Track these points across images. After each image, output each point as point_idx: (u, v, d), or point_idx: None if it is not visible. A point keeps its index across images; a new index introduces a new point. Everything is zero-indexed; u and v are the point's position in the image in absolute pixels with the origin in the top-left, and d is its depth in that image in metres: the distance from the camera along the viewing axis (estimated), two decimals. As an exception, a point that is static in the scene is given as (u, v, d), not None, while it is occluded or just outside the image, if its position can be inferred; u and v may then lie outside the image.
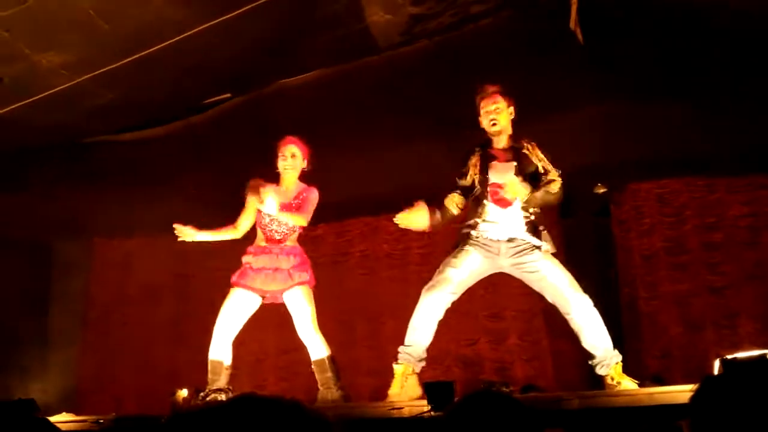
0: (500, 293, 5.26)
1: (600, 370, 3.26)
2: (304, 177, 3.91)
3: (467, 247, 3.39)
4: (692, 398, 1.29)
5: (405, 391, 3.28)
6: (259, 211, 3.80)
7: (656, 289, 5.17)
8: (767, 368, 2.44)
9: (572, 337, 5.04)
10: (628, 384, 3.20)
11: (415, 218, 3.41)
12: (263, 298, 3.80)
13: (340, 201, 5.69)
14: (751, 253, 5.10)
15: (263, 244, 3.81)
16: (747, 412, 1.21)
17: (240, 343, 3.77)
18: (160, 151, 5.78)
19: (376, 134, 5.29)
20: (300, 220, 3.77)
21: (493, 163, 3.43)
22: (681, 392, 2.60)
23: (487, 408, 1.51)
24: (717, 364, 2.66)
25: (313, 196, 3.83)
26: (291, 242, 3.83)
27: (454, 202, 3.47)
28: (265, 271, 3.74)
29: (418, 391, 3.26)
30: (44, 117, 5.34)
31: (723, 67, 4.77)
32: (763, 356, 2.54)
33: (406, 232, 5.86)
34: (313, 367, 3.71)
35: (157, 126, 6.07)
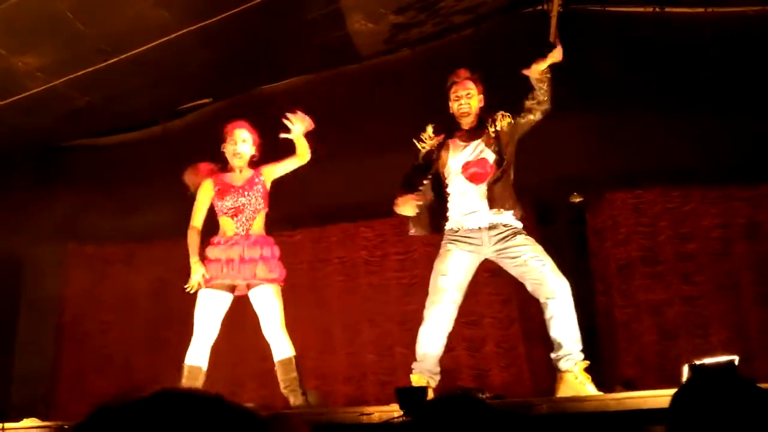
0: (477, 300, 5.28)
1: (564, 364, 3.12)
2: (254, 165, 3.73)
3: (449, 246, 3.33)
4: (672, 402, 1.30)
5: None
6: (219, 199, 3.62)
7: (631, 297, 5.23)
8: (734, 373, 2.49)
9: (549, 344, 5.08)
10: (590, 387, 3.07)
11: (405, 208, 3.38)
12: (232, 293, 3.63)
13: (318, 207, 5.70)
14: (723, 263, 5.18)
15: (229, 233, 3.63)
16: (722, 417, 1.23)
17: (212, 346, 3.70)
18: (138, 156, 5.74)
19: (356, 142, 5.31)
20: (296, 159, 3.66)
21: (456, 143, 3.41)
22: (649, 398, 2.63)
23: (457, 411, 1.52)
24: (685, 369, 2.70)
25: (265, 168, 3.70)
26: (257, 230, 3.63)
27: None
28: (231, 263, 3.55)
29: None
30: (19, 120, 5.28)
31: (698, 79, 4.87)
32: (731, 362, 2.59)
33: (385, 239, 5.91)
34: (276, 367, 3.56)
35: (135, 130, 6.03)
